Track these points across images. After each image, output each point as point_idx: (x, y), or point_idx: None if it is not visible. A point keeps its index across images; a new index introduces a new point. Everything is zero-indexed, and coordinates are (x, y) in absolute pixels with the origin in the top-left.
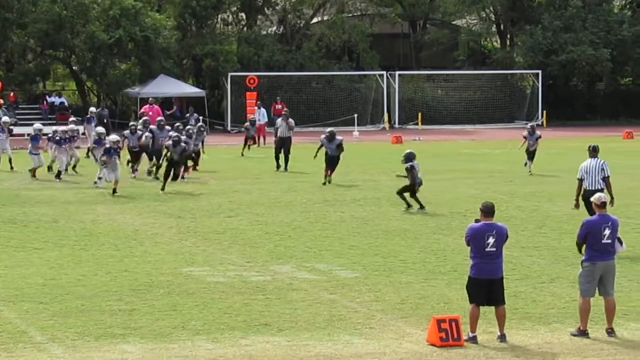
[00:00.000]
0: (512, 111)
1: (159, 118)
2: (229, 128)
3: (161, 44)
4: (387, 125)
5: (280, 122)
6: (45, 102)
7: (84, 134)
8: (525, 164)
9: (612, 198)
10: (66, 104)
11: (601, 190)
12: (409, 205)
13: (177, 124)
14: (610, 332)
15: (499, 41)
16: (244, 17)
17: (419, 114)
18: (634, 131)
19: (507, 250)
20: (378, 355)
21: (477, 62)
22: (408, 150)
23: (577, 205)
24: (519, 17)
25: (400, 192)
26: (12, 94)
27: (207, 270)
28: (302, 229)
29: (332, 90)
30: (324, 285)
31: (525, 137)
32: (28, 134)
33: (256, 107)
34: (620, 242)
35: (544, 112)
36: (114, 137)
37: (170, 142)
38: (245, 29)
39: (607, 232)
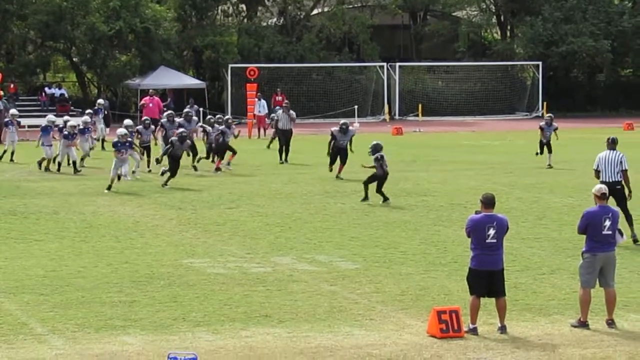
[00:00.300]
0: (512, 102)
1: (186, 110)
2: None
3: (161, 35)
4: (387, 116)
5: (282, 114)
6: (44, 94)
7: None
8: (537, 154)
9: (630, 192)
10: (66, 95)
11: (618, 183)
12: (366, 197)
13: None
14: (611, 323)
15: (499, 32)
16: (244, 8)
17: (420, 106)
18: (635, 122)
19: (508, 241)
20: (378, 346)
21: (477, 53)
22: (375, 142)
23: None
24: (519, 8)
25: (366, 183)
26: (12, 85)
27: (207, 262)
28: (303, 220)
29: (333, 82)
30: (324, 276)
31: (542, 128)
32: (45, 125)
33: (256, 99)
34: (621, 234)
35: (544, 103)
36: (122, 130)
37: (175, 138)
38: (245, 20)
39: (607, 223)
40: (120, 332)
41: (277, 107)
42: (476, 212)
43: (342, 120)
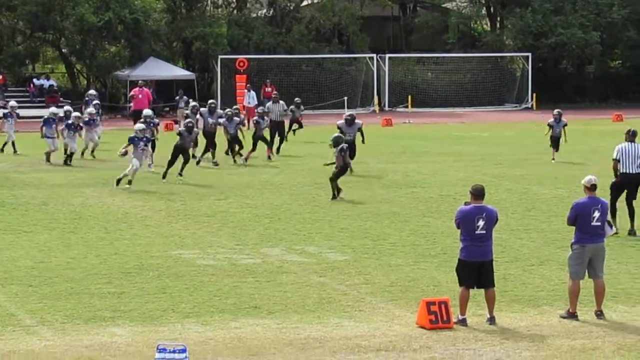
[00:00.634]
0: (502, 94)
1: (210, 100)
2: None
3: (151, 26)
4: (377, 108)
5: (272, 106)
6: (32, 85)
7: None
8: (552, 160)
9: None
10: (55, 86)
11: (637, 175)
12: (336, 194)
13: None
14: (599, 314)
15: (489, 24)
16: None
17: (409, 97)
18: (624, 114)
19: (497, 232)
20: (367, 337)
21: (467, 45)
22: (336, 134)
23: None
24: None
25: (333, 179)
26: (0, 76)
27: (196, 253)
28: (292, 211)
29: (322, 73)
30: (313, 268)
31: (550, 125)
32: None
33: (246, 90)
34: (610, 225)
35: (534, 94)
36: (140, 125)
37: (183, 128)
38: (235, 11)
39: (596, 214)
40: (109, 323)
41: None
42: (466, 204)
43: (348, 112)
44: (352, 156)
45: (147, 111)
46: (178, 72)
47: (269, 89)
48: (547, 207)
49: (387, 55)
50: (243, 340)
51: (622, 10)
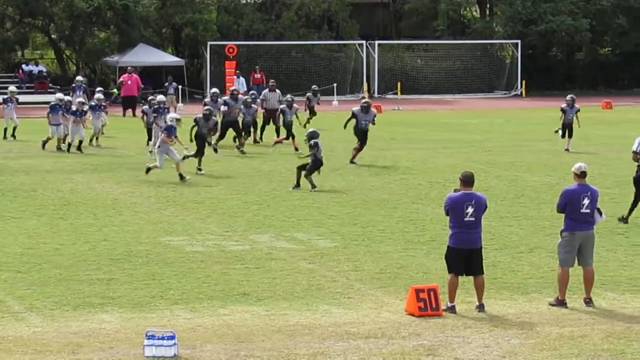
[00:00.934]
0: (491, 81)
1: (231, 88)
2: (208, 97)
3: (140, 12)
4: (366, 94)
5: (269, 94)
6: (21, 71)
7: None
8: (557, 131)
9: None
10: (44, 72)
11: None
12: (314, 186)
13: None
14: (588, 301)
15: (478, 11)
16: None
17: (399, 84)
18: (613, 101)
19: (486, 220)
20: (356, 324)
21: (456, 31)
22: (312, 129)
23: None
24: None
25: (307, 175)
26: None
27: (185, 240)
28: (281, 198)
29: (312, 60)
30: (302, 254)
31: (563, 110)
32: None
33: (235, 77)
34: (600, 213)
35: (523, 81)
36: (175, 115)
37: (200, 115)
38: None
39: (586, 201)
40: (98, 309)
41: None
42: (455, 191)
43: (364, 98)
44: (362, 145)
45: (161, 97)
46: (167, 58)
47: (258, 75)
48: (536, 194)
49: (377, 42)
50: (232, 327)
51: None
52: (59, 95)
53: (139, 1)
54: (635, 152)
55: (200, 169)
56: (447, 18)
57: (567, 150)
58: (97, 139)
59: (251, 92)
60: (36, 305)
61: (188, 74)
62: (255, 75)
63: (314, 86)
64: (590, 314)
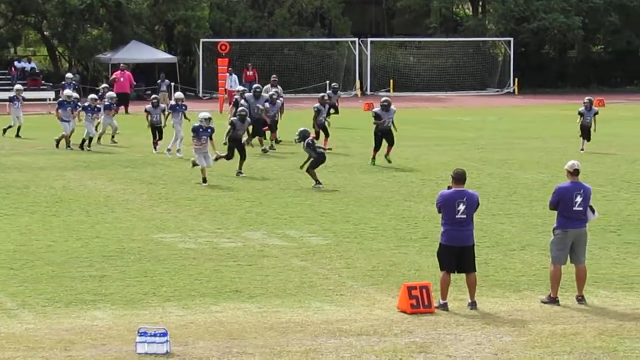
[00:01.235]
0: (484, 78)
1: (255, 85)
2: (200, 94)
3: (133, 9)
4: (359, 92)
5: (272, 89)
6: (13, 68)
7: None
8: (580, 136)
9: None
10: (37, 69)
11: None
12: (318, 182)
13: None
14: (581, 299)
15: (471, 8)
16: None
17: (391, 81)
18: (605, 99)
19: (478, 217)
20: (349, 322)
21: (449, 29)
22: (302, 128)
23: None
24: None
25: (310, 170)
26: None
27: (178, 237)
28: (273, 195)
29: (304, 57)
30: (295, 252)
31: (581, 114)
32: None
33: (228, 74)
34: (593, 211)
35: (516, 79)
36: (205, 114)
37: (236, 118)
38: None
39: (578, 199)
40: (90, 306)
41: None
42: (448, 188)
43: (384, 97)
44: (391, 143)
45: (179, 94)
46: (160, 55)
47: (251, 73)
48: (528, 192)
49: (369, 39)
50: (224, 324)
51: None
52: (67, 91)
53: None
54: None
55: (240, 172)
56: (439, 15)
57: (582, 150)
58: (112, 137)
59: (242, 88)
60: (28, 302)
61: (181, 71)
62: (248, 73)
63: (334, 84)
64: (582, 311)
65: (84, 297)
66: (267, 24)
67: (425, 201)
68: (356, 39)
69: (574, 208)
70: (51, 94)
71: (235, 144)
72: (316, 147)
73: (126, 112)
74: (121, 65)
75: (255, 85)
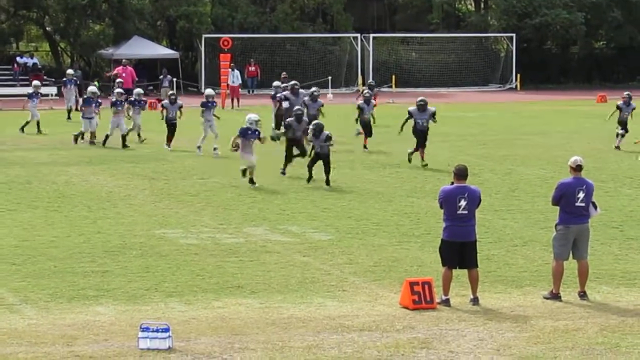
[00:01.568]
0: (486, 74)
1: (292, 82)
2: (202, 90)
3: (135, 5)
4: (361, 87)
5: (282, 85)
6: (16, 64)
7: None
8: (617, 135)
9: None
10: (39, 65)
11: None
12: (311, 177)
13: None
14: (583, 295)
15: (473, 4)
16: None
17: (393, 77)
18: (607, 95)
19: (480, 213)
20: (351, 317)
21: (451, 25)
22: (318, 121)
23: None
24: None
25: (310, 165)
26: None
27: (180, 233)
28: (275, 191)
29: (306, 53)
30: (297, 247)
31: (619, 108)
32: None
33: (230, 69)
34: (595, 207)
35: (518, 75)
36: (254, 116)
37: (292, 119)
38: None
39: (581, 195)
40: (92, 302)
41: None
42: (451, 184)
43: (420, 97)
44: (423, 144)
45: (209, 91)
46: (162, 51)
47: (253, 68)
48: (530, 187)
49: (371, 35)
50: (226, 319)
51: None
52: (91, 88)
53: None
54: None
55: (284, 172)
56: (441, 11)
57: (617, 147)
58: (138, 135)
59: (280, 84)
60: (31, 298)
61: (183, 67)
62: (250, 68)
63: (370, 80)
64: (584, 307)
65: (86, 293)
66: (269, 20)
67: (428, 197)
68: (358, 35)
69: (576, 204)
70: (53, 90)
71: (293, 144)
72: (317, 145)
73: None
74: (123, 60)
75: (292, 82)
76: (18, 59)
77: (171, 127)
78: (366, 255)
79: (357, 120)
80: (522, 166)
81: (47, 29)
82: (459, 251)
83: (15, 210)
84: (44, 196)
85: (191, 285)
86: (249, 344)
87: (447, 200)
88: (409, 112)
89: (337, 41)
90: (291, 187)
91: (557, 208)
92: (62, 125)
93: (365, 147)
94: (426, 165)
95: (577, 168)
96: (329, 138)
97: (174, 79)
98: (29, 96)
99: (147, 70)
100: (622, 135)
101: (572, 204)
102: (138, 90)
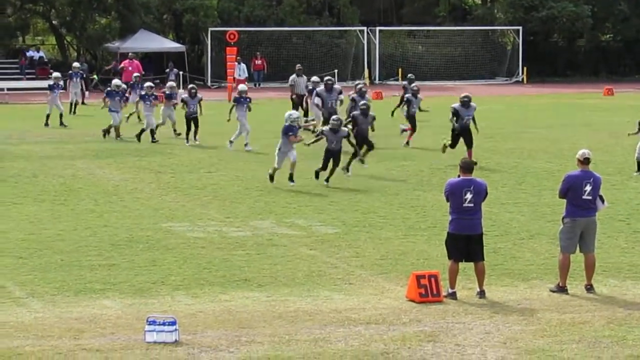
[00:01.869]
0: (492, 67)
1: (326, 78)
2: (209, 83)
3: None
4: (367, 81)
5: (297, 79)
6: (23, 57)
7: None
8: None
9: None
10: (45, 58)
11: None
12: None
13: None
14: (589, 288)
15: None
16: None
17: (400, 70)
18: (614, 88)
19: (487, 206)
20: (357, 310)
21: (457, 18)
22: (338, 116)
23: None
24: None
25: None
26: None
27: (186, 226)
28: (282, 184)
29: (313, 46)
30: (303, 240)
31: None
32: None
33: (236, 63)
34: (602, 200)
35: (525, 68)
36: (295, 113)
37: (358, 112)
38: None
39: (588, 188)
40: (99, 295)
41: (254, 72)
42: (458, 177)
43: (464, 93)
44: (470, 144)
45: (242, 87)
46: (168, 44)
47: (259, 62)
48: (537, 180)
49: (378, 28)
50: (233, 312)
51: None
52: (115, 81)
53: None
54: None
55: (348, 170)
56: (448, 4)
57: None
58: (173, 129)
59: (316, 79)
60: (37, 291)
61: (189, 60)
62: (256, 62)
63: (410, 75)
64: (591, 300)
65: (93, 286)
66: (275, 13)
67: (434, 190)
68: (364, 28)
69: (583, 197)
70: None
71: (360, 140)
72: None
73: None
74: (130, 54)
75: (327, 78)
76: (26, 52)
77: (192, 121)
78: (373, 248)
79: (406, 115)
80: (529, 159)
81: (54, 22)
82: (464, 244)
83: (22, 203)
84: (50, 190)
85: (198, 278)
86: (256, 337)
87: (453, 193)
88: (454, 109)
89: (343, 34)
90: (297, 181)
91: (564, 201)
92: (67, 119)
93: (406, 143)
94: (476, 164)
95: (585, 161)
96: (348, 135)
97: (181, 73)
98: (50, 88)
99: (153, 63)
100: None
101: (580, 196)
102: (170, 83)
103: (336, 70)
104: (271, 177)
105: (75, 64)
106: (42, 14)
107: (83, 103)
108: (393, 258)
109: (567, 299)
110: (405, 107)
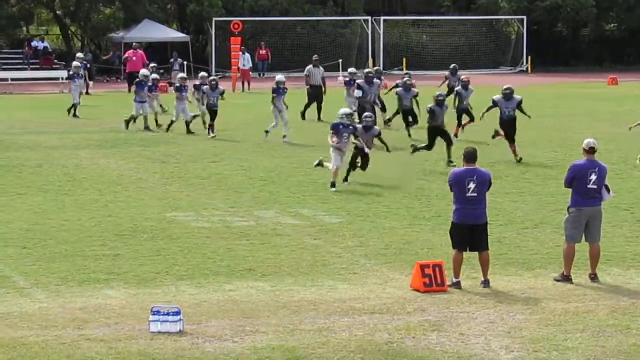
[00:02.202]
0: (497, 57)
1: (367, 70)
2: (213, 73)
3: None
4: (373, 69)
5: (314, 70)
6: (29, 48)
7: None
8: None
9: None
10: (49, 48)
11: None
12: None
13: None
14: (594, 277)
15: None
16: None
17: (404, 60)
18: (619, 77)
19: (491, 196)
20: (362, 300)
21: (462, 7)
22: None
23: None
24: None
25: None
26: None
27: (191, 216)
28: (286, 174)
29: (317, 36)
30: (308, 230)
31: None
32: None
33: (241, 53)
34: (608, 190)
35: (529, 58)
36: (347, 110)
37: (433, 105)
38: None
39: (593, 177)
40: (103, 285)
41: (258, 62)
42: (463, 167)
43: (506, 85)
44: (512, 139)
45: (281, 77)
46: (173, 34)
47: (264, 52)
48: (541, 170)
49: (382, 18)
50: (237, 302)
51: None
52: (143, 71)
53: None
54: None
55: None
56: None
57: None
58: (204, 121)
59: (353, 70)
60: (42, 281)
61: (193, 50)
62: (261, 52)
63: (453, 65)
64: (595, 289)
65: (97, 276)
66: (279, 3)
67: (439, 180)
68: (369, 18)
69: (589, 186)
70: (64, 74)
71: (436, 132)
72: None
73: None
74: (134, 44)
75: (367, 70)
76: (32, 43)
77: (212, 114)
78: (377, 238)
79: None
80: (533, 149)
81: (58, 12)
82: (469, 234)
83: (26, 194)
84: (54, 180)
85: (202, 268)
86: (260, 327)
87: (457, 183)
88: (494, 101)
89: (348, 24)
90: (301, 171)
91: (569, 191)
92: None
93: (455, 136)
94: (521, 159)
95: (591, 150)
96: (379, 133)
97: (185, 63)
98: (70, 77)
99: (157, 53)
100: None
101: (585, 186)
102: (203, 74)
103: (341, 60)
104: (319, 164)
105: (80, 54)
106: (46, 4)
107: (87, 93)
108: (397, 248)
109: (572, 288)
110: (455, 99)
